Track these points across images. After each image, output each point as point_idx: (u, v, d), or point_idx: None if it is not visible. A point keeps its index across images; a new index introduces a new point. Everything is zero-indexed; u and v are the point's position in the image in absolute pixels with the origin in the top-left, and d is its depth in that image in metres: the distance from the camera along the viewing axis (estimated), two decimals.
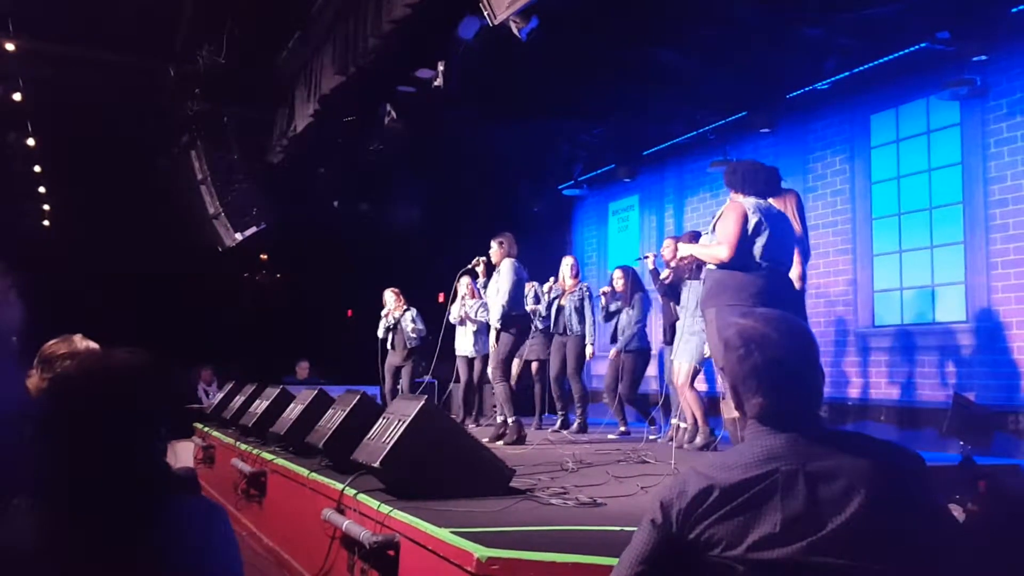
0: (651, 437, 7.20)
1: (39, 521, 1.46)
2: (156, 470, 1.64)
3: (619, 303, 7.72)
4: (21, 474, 1.43)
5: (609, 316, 7.79)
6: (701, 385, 6.66)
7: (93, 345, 3.19)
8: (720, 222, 4.69)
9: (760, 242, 4.53)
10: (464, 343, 8.86)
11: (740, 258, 4.53)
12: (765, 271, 4.52)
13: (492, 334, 6.89)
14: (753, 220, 4.55)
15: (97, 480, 1.52)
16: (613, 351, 7.70)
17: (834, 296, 8.09)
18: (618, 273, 7.87)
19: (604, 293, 7.86)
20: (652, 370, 8.19)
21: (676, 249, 7.12)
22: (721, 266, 4.60)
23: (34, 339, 3.40)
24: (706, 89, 8.50)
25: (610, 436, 7.50)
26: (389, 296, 9.34)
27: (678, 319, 6.80)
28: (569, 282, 8.18)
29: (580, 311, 8.00)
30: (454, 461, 3.95)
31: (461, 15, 6.61)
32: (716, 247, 4.64)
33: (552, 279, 8.39)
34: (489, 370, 6.70)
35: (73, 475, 1.52)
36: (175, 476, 1.69)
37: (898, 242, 7.57)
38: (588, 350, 7.98)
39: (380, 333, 9.32)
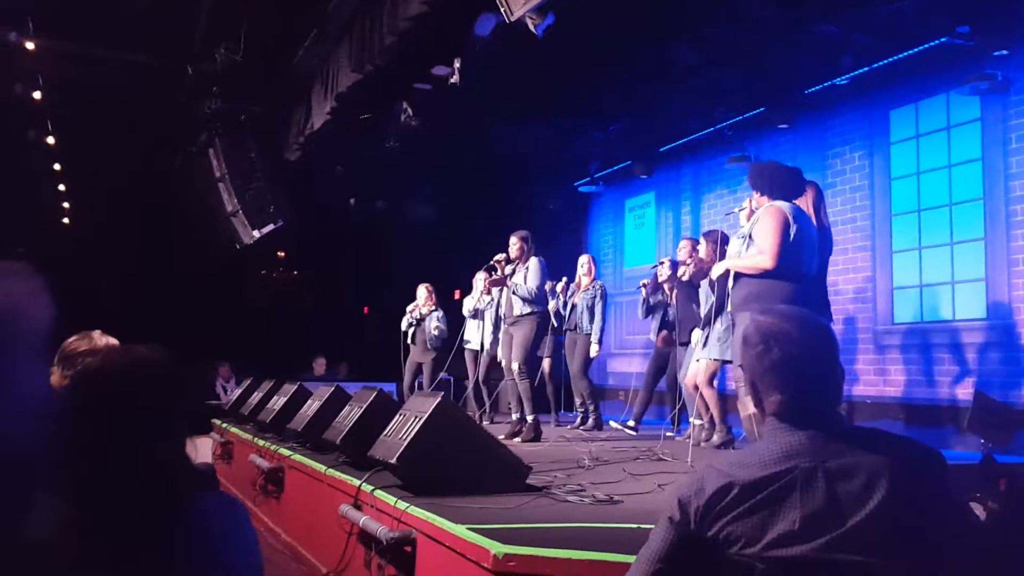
0: (668, 435, 7.18)
1: (60, 517, 1.47)
2: (177, 466, 1.64)
3: (660, 297, 7.66)
4: (44, 471, 1.44)
5: (649, 310, 7.70)
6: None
7: (113, 341, 3.21)
8: (759, 229, 4.56)
9: (800, 249, 4.48)
10: (472, 336, 8.90)
11: (783, 265, 4.44)
12: (799, 276, 4.49)
13: (503, 330, 6.93)
14: (793, 228, 4.47)
15: (118, 476, 1.52)
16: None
17: (853, 293, 8.04)
18: (665, 267, 7.81)
19: (644, 285, 7.78)
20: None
21: (692, 250, 7.08)
22: (762, 274, 4.51)
23: (54, 336, 3.42)
24: (723, 85, 8.46)
25: (629, 426, 7.47)
26: (422, 292, 9.35)
27: (700, 318, 6.75)
28: (584, 280, 8.17)
29: (591, 309, 7.97)
30: (471, 458, 3.96)
31: (477, 12, 6.62)
32: (758, 257, 4.51)
33: (564, 279, 8.37)
34: (513, 366, 6.69)
35: (94, 471, 1.52)
36: (196, 472, 1.69)
37: (917, 239, 7.51)
38: (593, 349, 7.93)
39: (403, 326, 9.33)
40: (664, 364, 7.73)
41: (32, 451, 1.38)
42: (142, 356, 1.67)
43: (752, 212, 4.93)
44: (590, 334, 7.96)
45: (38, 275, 1.43)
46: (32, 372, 1.38)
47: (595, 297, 8.01)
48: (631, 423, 7.70)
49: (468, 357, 8.96)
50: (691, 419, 6.88)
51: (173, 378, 1.66)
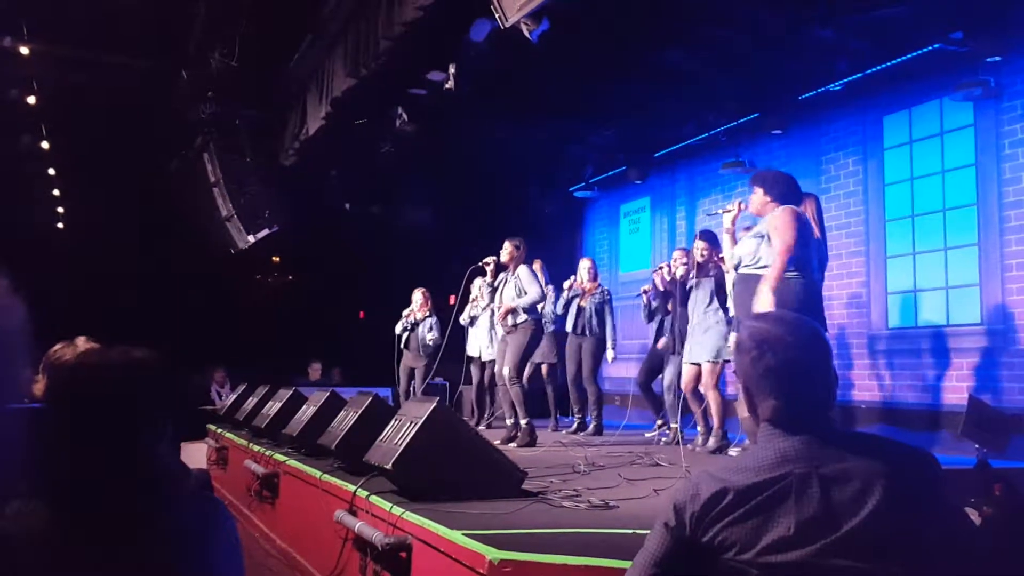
0: (663, 441, 7.17)
1: (40, 517, 1.46)
2: (157, 469, 1.63)
3: (661, 300, 7.68)
4: (20, 474, 1.44)
5: (652, 315, 7.72)
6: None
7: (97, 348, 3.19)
8: (778, 227, 4.62)
9: (805, 252, 4.63)
10: (475, 344, 8.89)
11: (796, 260, 4.59)
12: (805, 280, 4.59)
13: (498, 335, 6.95)
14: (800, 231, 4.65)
15: (96, 478, 1.51)
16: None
17: (847, 298, 8.05)
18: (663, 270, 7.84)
19: (645, 291, 7.79)
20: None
21: (686, 257, 7.06)
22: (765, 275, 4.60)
23: (46, 342, 3.41)
24: (718, 91, 8.47)
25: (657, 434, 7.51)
26: (417, 296, 9.34)
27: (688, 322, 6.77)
28: (588, 284, 8.15)
29: (600, 314, 7.97)
30: (466, 463, 3.95)
31: (472, 17, 6.62)
32: (778, 257, 4.55)
33: (573, 277, 8.37)
34: (504, 372, 6.70)
35: (72, 473, 1.51)
36: (179, 475, 1.68)
37: (911, 244, 7.53)
38: (610, 355, 7.93)
39: (397, 329, 9.31)
40: (658, 366, 7.74)
41: (11, 453, 1.38)
42: (117, 356, 1.65)
43: (739, 213, 5.04)
44: (598, 338, 7.94)
45: (3, 275, 1.42)
46: (14, 371, 1.37)
47: (603, 302, 8.01)
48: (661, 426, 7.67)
49: (473, 365, 8.99)
50: (671, 423, 6.89)
51: (150, 379, 1.64)
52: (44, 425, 1.56)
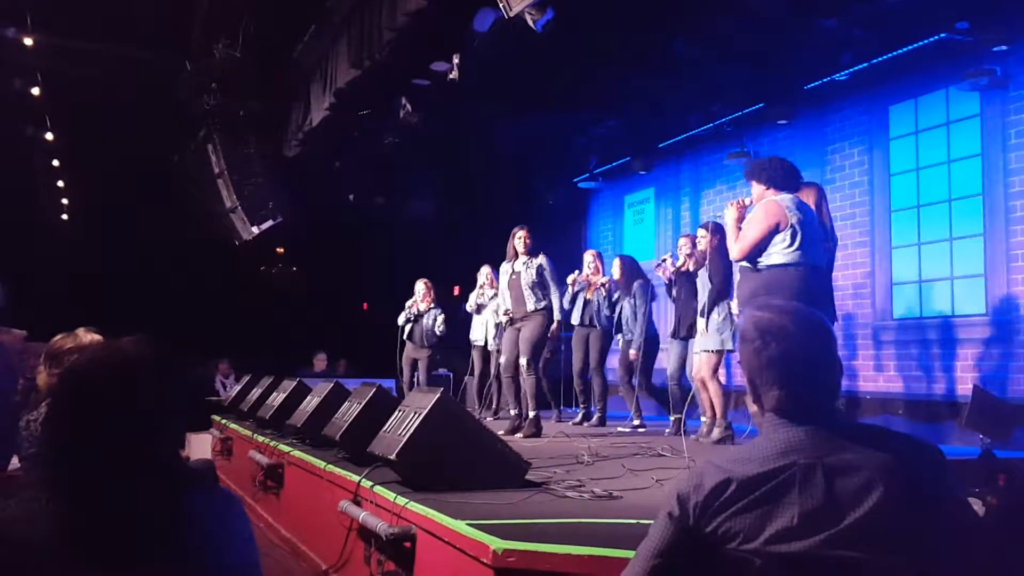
0: (667, 431, 7.17)
1: (54, 517, 1.46)
2: (171, 463, 1.62)
3: (619, 293, 7.77)
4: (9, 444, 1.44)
5: (612, 306, 7.82)
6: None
7: (98, 338, 3.20)
8: (750, 218, 4.67)
9: (798, 240, 4.56)
10: (479, 332, 8.86)
11: (751, 260, 4.62)
12: (805, 269, 4.55)
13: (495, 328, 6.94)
14: (793, 219, 4.57)
15: (111, 475, 1.50)
16: (624, 343, 7.83)
17: (852, 288, 8.04)
18: (616, 262, 7.98)
19: (603, 284, 7.88)
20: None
21: (692, 246, 7.05)
22: (762, 267, 4.61)
23: (50, 332, 3.42)
24: (723, 81, 8.45)
25: (619, 428, 7.48)
26: (420, 287, 9.24)
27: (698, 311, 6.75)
28: (595, 278, 8.10)
29: (612, 307, 7.96)
30: (470, 453, 3.95)
31: (476, 7, 6.61)
32: (736, 244, 4.68)
33: (577, 272, 8.36)
34: (522, 361, 6.66)
35: (86, 470, 1.51)
36: (190, 469, 1.66)
37: (917, 234, 7.51)
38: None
39: (400, 321, 9.24)
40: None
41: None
42: (128, 350, 1.64)
43: (744, 209, 5.02)
44: (605, 330, 7.92)
45: None
46: None
47: (615, 297, 7.99)
48: (635, 422, 7.69)
49: (475, 353, 8.95)
50: (703, 419, 6.78)
51: (162, 371, 1.64)
52: (54, 422, 1.55)
